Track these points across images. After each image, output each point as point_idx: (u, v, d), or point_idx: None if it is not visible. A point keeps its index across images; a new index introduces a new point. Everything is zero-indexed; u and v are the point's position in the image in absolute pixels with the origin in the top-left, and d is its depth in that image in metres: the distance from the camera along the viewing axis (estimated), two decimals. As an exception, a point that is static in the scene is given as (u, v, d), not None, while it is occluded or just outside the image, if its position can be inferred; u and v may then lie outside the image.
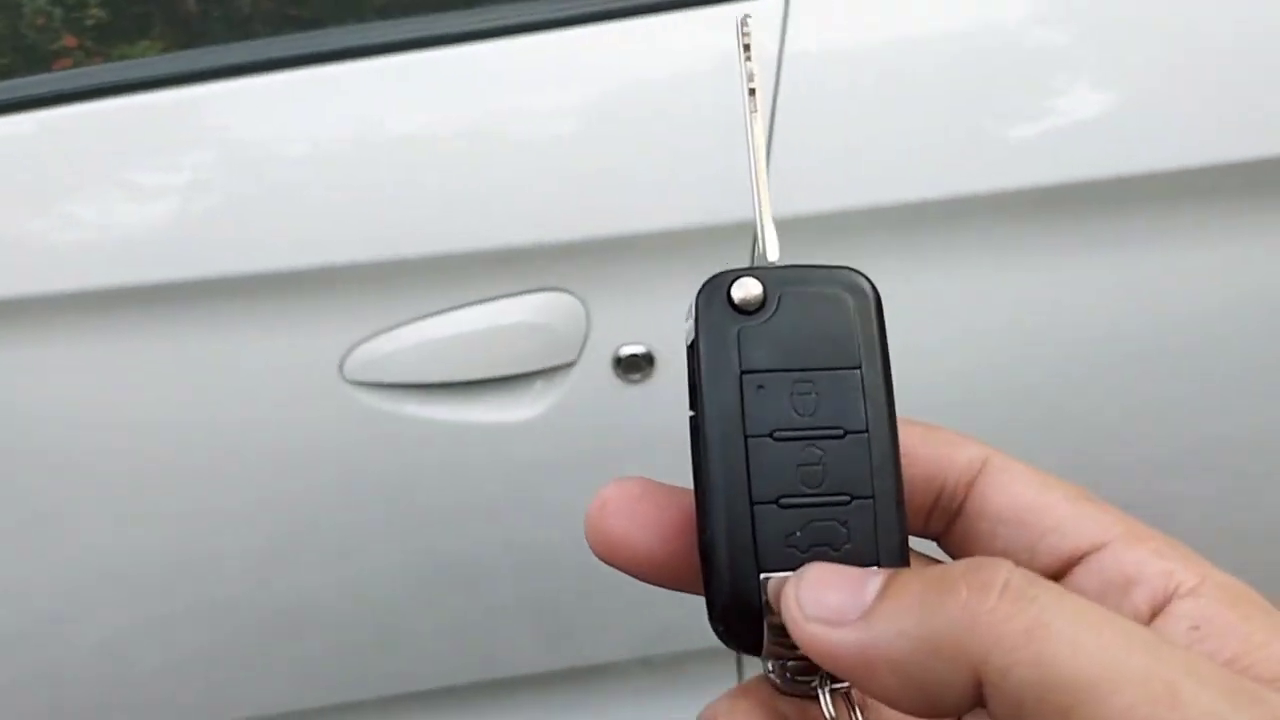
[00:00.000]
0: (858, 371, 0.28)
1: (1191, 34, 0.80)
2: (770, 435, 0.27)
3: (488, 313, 0.80)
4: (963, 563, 0.24)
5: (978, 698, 0.23)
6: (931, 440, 0.29)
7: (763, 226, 0.29)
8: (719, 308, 0.28)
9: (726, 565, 0.27)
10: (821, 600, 0.25)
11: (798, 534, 0.27)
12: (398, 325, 0.80)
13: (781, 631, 0.26)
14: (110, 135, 0.76)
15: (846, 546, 0.27)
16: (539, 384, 0.83)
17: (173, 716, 0.96)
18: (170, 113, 0.76)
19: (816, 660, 0.25)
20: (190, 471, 0.84)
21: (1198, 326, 0.89)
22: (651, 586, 0.29)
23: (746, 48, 0.30)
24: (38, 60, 0.99)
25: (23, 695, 0.91)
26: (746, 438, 0.27)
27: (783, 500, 0.27)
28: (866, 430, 0.27)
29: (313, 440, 0.83)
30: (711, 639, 0.28)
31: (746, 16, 0.30)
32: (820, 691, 0.27)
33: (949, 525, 0.30)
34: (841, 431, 0.27)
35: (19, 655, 0.90)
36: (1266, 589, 0.28)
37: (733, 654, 0.97)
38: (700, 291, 0.28)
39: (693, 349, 0.29)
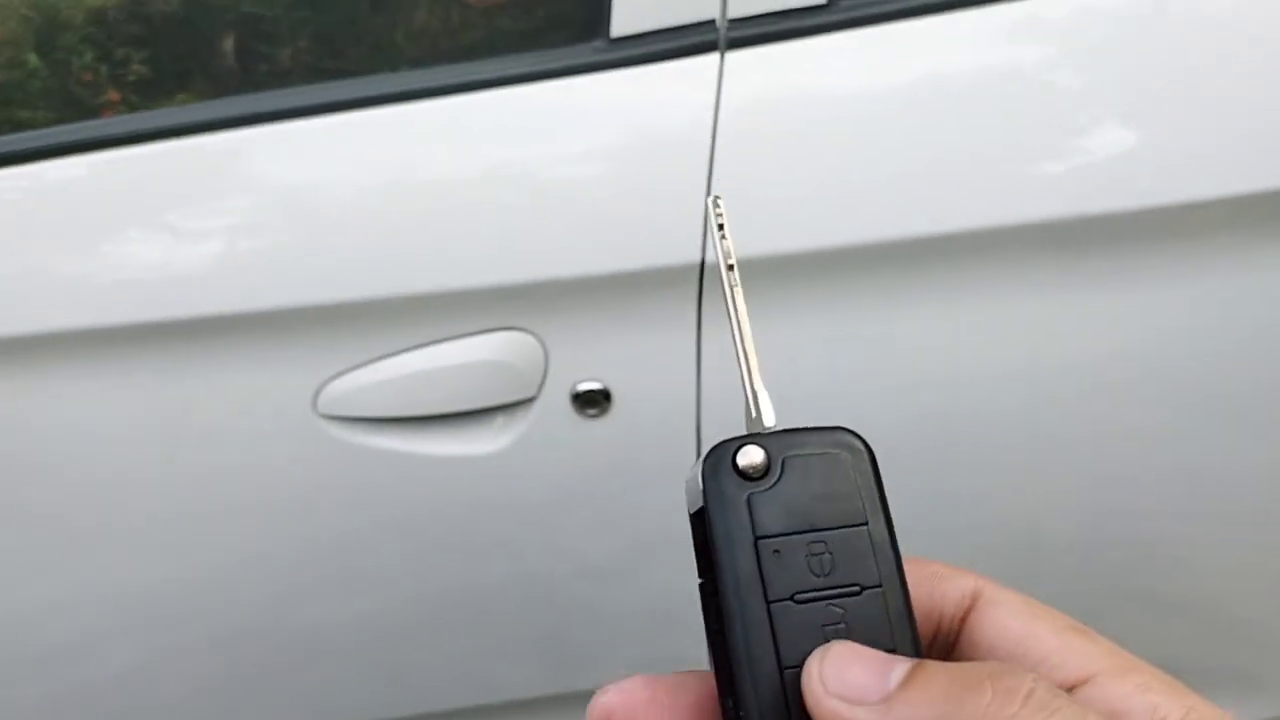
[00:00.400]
0: (865, 528, 0.29)
1: (1182, 62, 0.79)
2: (792, 598, 0.27)
3: (452, 351, 0.84)
4: (989, 665, 0.25)
5: None
6: (925, 576, 0.30)
7: (754, 394, 0.30)
8: (726, 475, 0.29)
9: None
10: (845, 678, 0.25)
11: None
12: (368, 362, 0.84)
13: None
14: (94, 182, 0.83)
15: None
16: (500, 419, 0.86)
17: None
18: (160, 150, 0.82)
19: None
20: (192, 506, 0.90)
21: (1204, 358, 0.87)
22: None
23: (720, 226, 0.31)
24: (84, 114, 1.07)
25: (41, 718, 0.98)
26: (769, 603, 0.27)
27: None
28: (880, 585, 0.28)
29: (293, 474, 0.88)
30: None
31: (717, 197, 0.31)
32: None
33: (946, 658, 0.30)
34: (858, 588, 0.28)
35: (42, 684, 0.96)
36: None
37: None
38: (705, 460, 0.29)
39: (700, 516, 0.29)
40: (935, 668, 0.25)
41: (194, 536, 0.91)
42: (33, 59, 1.10)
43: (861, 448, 0.30)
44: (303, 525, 0.89)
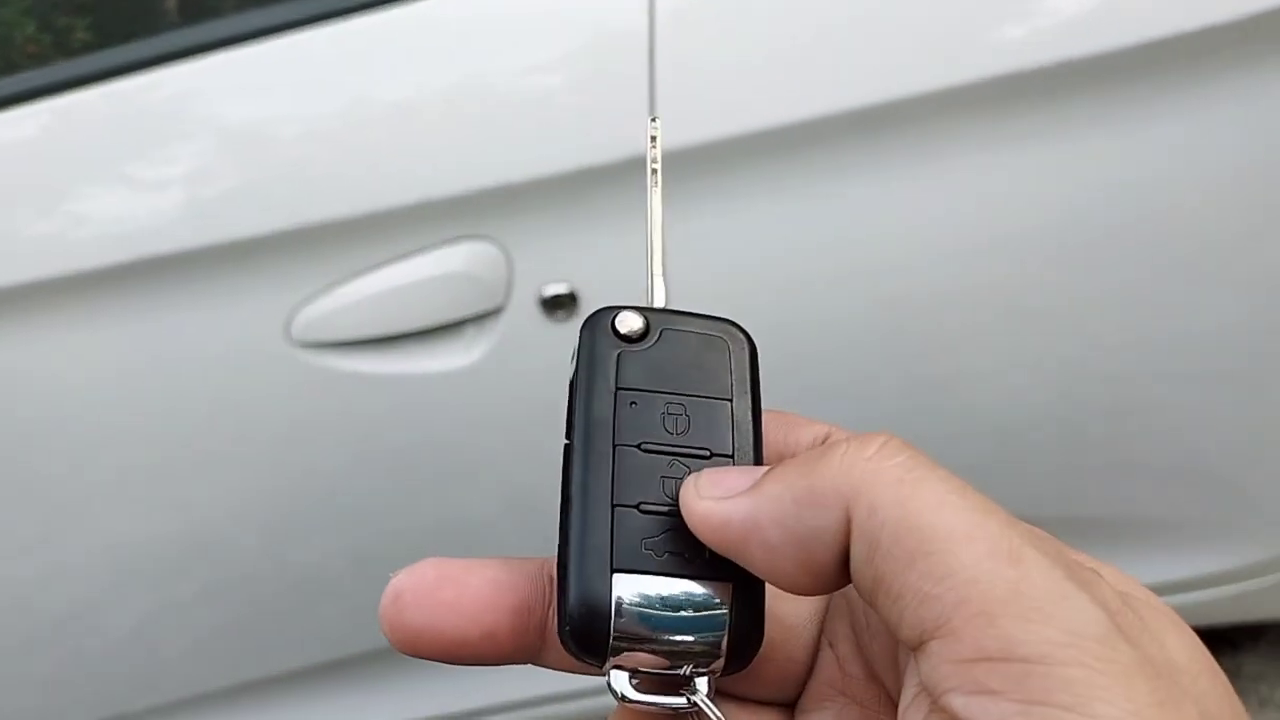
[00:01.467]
0: (729, 404, 0.29)
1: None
2: (639, 446, 0.28)
3: (415, 266, 0.85)
4: (846, 434, 0.27)
5: (847, 548, 0.24)
6: (779, 424, 0.31)
7: (653, 276, 0.31)
8: (601, 335, 0.29)
9: (580, 560, 0.27)
10: (719, 483, 0.26)
11: (656, 538, 0.27)
12: (335, 284, 0.85)
13: (627, 637, 0.26)
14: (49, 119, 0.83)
15: (701, 558, 0.27)
16: (470, 331, 0.87)
17: (197, 688, 1.02)
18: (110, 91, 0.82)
19: (710, 535, 0.26)
20: (179, 453, 0.91)
21: (1159, 209, 0.88)
22: None
23: (653, 139, 0.33)
24: (33, 85, 1.06)
25: (58, 685, 0.99)
26: (615, 446, 0.28)
27: (644, 506, 0.27)
28: (732, 455, 0.28)
29: (274, 408, 0.89)
30: None
31: (655, 119, 0.33)
32: (685, 694, 0.27)
33: None
34: (708, 453, 0.28)
35: (46, 655, 0.97)
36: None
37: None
38: (585, 322, 0.30)
39: (574, 379, 0.29)
40: (798, 456, 0.26)
41: (181, 486, 0.91)
42: (-26, 35, 1.09)
43: (743, 339, 0.30)
44: (289, 461, 0.90)
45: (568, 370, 0.30)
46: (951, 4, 0.82)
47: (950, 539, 0.22)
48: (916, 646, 0.23)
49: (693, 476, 0.27)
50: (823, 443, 0.30)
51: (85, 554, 0.93)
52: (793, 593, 0.26)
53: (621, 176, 0.82)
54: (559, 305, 0.85)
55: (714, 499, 0.26)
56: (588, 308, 0.85)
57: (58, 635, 0.96)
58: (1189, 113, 0.85)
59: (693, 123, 0.81)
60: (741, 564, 0.26)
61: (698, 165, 0.83)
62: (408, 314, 0.86)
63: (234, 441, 0.90)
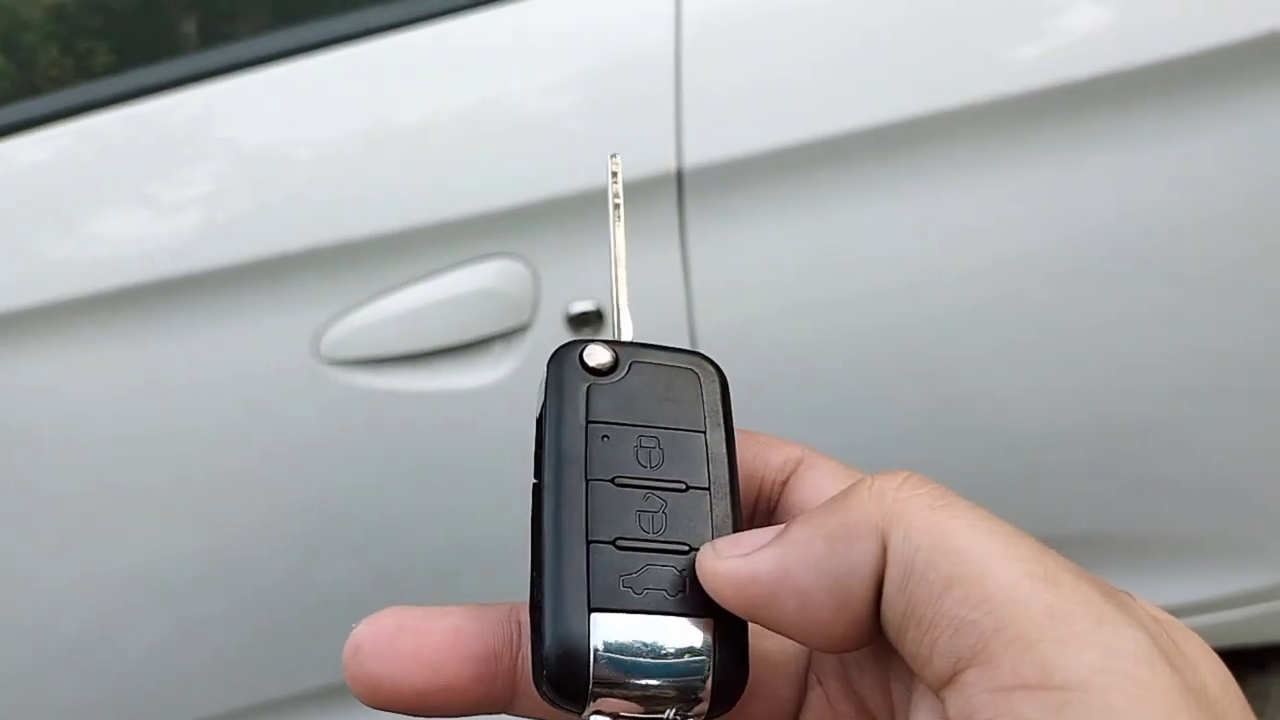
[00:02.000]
0: (702, 435, 0.28)
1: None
2: (612, 480, 0.27)
3: (444, 284, 0.85)
4: (819, 456, 0.27)
5: (882, 580, 0.23)
6: (750, 443, 0.30)
7: (618, 310, 0.31)
8: (570, 368, 0.28)
9: (556, 600, 0.25)
10: (738, 542, 0.26)
11: (634, 575, 0.26)
12: (363, 302, 0.85)
13: (607, 681, 0.25)
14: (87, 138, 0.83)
15: (682, 595, 0.26)
16: (498, 348, 0.87)
17: (217, 707, 1.01)
18: (140, 115, 0.83)
19: (731, 598, 0.25)
20: (202, 472, 0.90)
21: (1196, 230, 0.88)
22: None
23: (614, 174, 0.33)
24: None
25: (79, 704, 0.97)
26: (588, 480, 0.27)
27: (620, 541, 0.26)
28: (708, 488, 0.28)
29: (301, 426, 0.89)
30: None
31: (614, 154, 0.34)
32: None
33: (767, 521, 0.30)
34: (684, 485, 0.27)
35: (70, 671, 0.96)
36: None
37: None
38: (552, 357, 0.29)
39: (541, 414, 0.29)
40: (815, 508, 0.25)
41: (204, 504, 0.91)
42: (-1, 60, 1.10)
43: (714, 371, 0.30)
44: (313, 479, 0.90)
45: (535, 399, 0.29)
46: (971, 23, 0.82)
47: (985, 562, 0.22)
48: (949, 679, 0.22)
49: (708, 544, 0.26)
50: (794, 466, 0.30)
51: (108, 572, 0.92)
52: (826, 647, 0.25)
53: (648, 193, 0.82)
54: (586, 322, 0.85)
55: (737, 556, 0.25)
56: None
57: (79, 654, 0.95)
58: (1209, 130, 0.85)
59: (716, 140, 0.82)
60: (769, 624, 0.25)
61: (720, 182, 0.83)
62: (436, 331, 0.86)
63: (258, 459, 0.90)
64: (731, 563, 0.25)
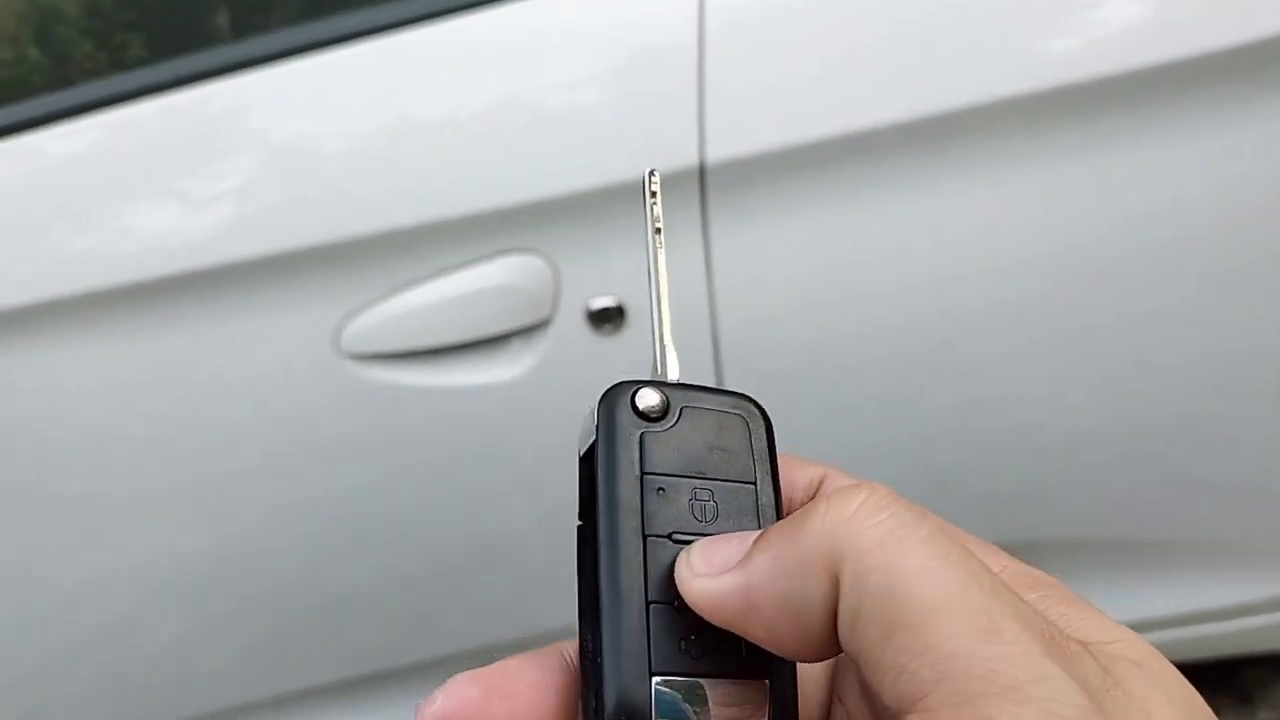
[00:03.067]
0: (753, 488, 0.28)
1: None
2: (669, 537, 0.27)
3: (464, 279, 0.85)
4: (841, 477, 0.27)
5: (836, 613, 0.24)
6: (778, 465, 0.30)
7: (663, 347, 0.30)
8: (622, 412, 0.28)
9: (616, 664, 0.25)
10: (711, 558, 0.26)
11: (693, 639, 0.26)
12: (384, 296, 0.85)
13: None
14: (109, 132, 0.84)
15: (738, 656, 0.26)
16: (517, 343, 0.87)
17: (230, 703, 1.02)
18: (162, 106, 0.83)
19: (709, 614, 0.25)
20: (219, 467, 0.91)
21: (1221, 227, 0.86)
22: None
23: (654, 194, 0.32)
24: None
25: (92, 702, 0.99)
26: (645, 536, 0.27)
27: (679, 603, 0.26)
28: None
29: (321, 421, 0.89)
30: None
31: (653, 171, 0.32)
32: None
33: None
34: None
35: (88, 668, 0.97)
36: None
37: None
38: (602, 398, 0.28)
39: (589, 455, 0.28)
40: (783, 520, 0.26)
41: (224, 498, 0.91)
42: (33, 53, 1.12)
43: (760, 416, 0.29)
44: (333, 475, 0.90)
45: (579, 435, 0.29)
46: (995, 19, 0.81)
47: (930, 611, 0.22)
48: (897, 718, 0.22)
49: (684, 552, 0.26)
50: (817, 487, 0.30)
51: (124, 568, 0.93)
52: (800, 661, 0.26)
53: (671, 189, 0.81)
54: (606, 318, 0.85)
55: (708, 576, 0.25)
56: (635, 321, 0.85)
57: (95, 650, 0.96)
58: (1236, 127, 0.83)
59: (740, 135, 0.81)
60: (747, 637, 0.25)
61: (743, 177, 0.82)
62: (456, 326, 0.86)
63: (275, 455, 0.90)
64: (702, 582, 0.25)
